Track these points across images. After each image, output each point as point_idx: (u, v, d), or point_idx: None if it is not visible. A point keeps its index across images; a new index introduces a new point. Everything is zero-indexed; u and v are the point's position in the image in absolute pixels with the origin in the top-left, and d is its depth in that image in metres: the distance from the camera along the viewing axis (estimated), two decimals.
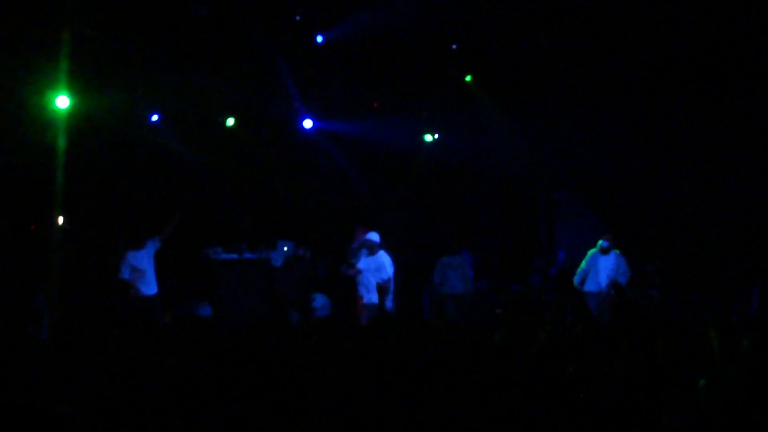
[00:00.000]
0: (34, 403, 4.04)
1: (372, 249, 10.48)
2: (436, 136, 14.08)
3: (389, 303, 10.59)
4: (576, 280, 11.66)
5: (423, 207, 14.64)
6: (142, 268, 10.18)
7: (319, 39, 11.50)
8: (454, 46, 12.58)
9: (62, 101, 11.24)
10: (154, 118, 12.35)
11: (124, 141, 12.49)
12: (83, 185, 12.15)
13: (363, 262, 10.48)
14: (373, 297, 10.45)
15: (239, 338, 6.24)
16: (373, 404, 4.32)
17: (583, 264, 11.61)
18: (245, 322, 9.59)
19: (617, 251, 11.41)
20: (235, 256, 11.88)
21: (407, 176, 14.44)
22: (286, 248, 11.94)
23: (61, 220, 11.26)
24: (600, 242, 11.48)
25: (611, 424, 4.37)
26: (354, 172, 13.94)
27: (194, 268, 12.03)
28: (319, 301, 12.06)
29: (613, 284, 11.25)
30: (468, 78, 13.29)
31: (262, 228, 12.66)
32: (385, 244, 12.62)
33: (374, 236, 10.56)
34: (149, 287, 10.31)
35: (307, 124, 12.70)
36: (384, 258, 10.53)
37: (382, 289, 10.45)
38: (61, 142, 11.71)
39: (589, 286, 11.47)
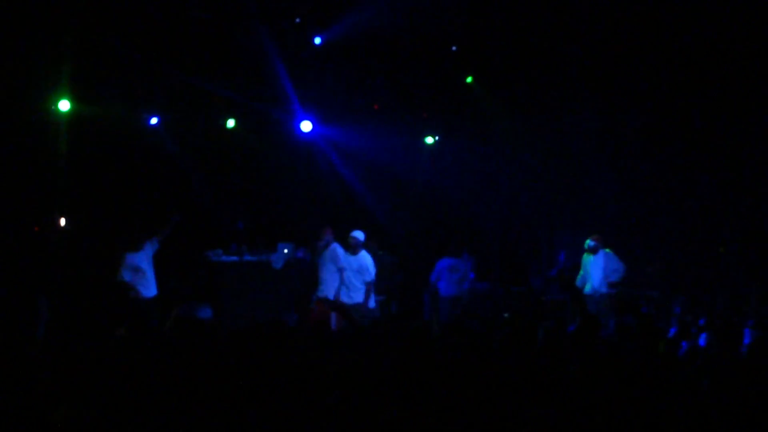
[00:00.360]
0: (30, 406, 4.04)
1: (355, 248, 10.38)
2: (437, 137, 14.10)
3: (371, 303, 10.52)
4: (578, 284, 11.68)
5: (424, 208, 14.63)
6: (141, 270, 10.19)
7: (318, 40, 11.47)
8: (454, 48, 12.58)
9: (63, 105, 11.30)
10: (154, 120, 12.37)
11: (125, 143, 12.52)
12: (84, 187, 12.18)
13: (344, 261, 10.35)
14: (354, 296, 10.37)
15: (240, 340, 6.24)
16: (372, 405, 4.31)
17: (582, 269, 11.64)
18: (246, 324, 9.57)
19: (607, 250, 11.38)
20: (235, 258, 11.87)
21: (408, 178, 14.44)
22: (286, 250, 11.91)
23: (63, 221, 11.27)
24: (587, 242, 11.46)
25: (611, 424, 4.37)
26: (354, 173, 13.92)
27: (195, 271, 12.03)
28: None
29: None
30: (469, 79, 13.28)
31: (262, 230, 12.66)
32: (383, 245, 12.68)
33: (359, 234, 10.46)
34: (148, 289, 10.32)
35: (306, 126, 12.67)
36: (367, 258, 10.42)
37: (369, 290, 10.35)
38: (63, 145, 11.76)
39: (586, 289, 11.46)
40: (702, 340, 6.73)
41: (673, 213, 12.85)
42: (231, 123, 12.86)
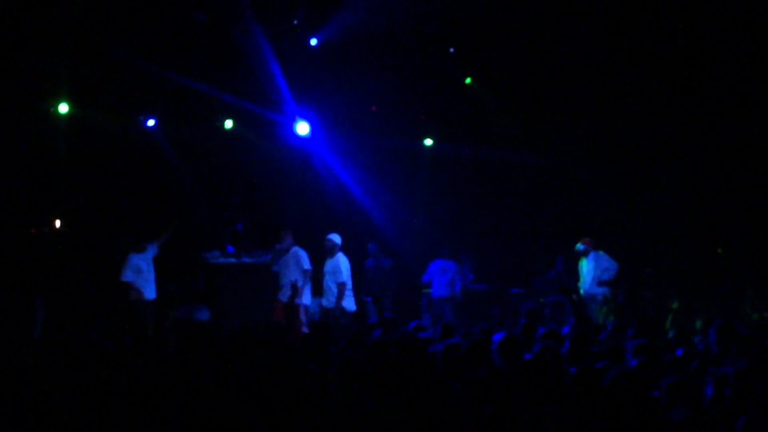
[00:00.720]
0: (27, 405, 4.04)
1: (331, 250, 10.40)
2: (436, 139, 14.09)
3: (350, 305, 10.49)
4: (579, 285, 11.67)
5: (423, 210, 14.61)
6: (143, 272, 10.26)
7: (314, 42, 11.42)
8: (451, 50, 12.55)
9: (62, 107, 11.32)
10: (151, 122, 12.36)
11: (122, 145, 12.53)
12: (81, 189, 12.19)
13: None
14: (333, 300, 10.34)
15: (237, 341, 6.23)
16: (369, 406, 4.31)
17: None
18: (243, 325, 9.57)
19: (598, 252, 11.34)
20: (233, 260, 11.86)
21: (406, 179, 14.44)
22: None
23: (58, 223, 11.29)
24: (577, 246, 11.45)
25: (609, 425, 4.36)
26: (351, 175, 13.91)
27: (192, 273, 12.03)
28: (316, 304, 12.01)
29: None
30: (468, 80, 13.24)
31: (260, 232, 12.66)
32: (381, 247, 12.69)
33: (335, 237, 10.50)
34: (149, 292, 10.36)
35: (303, 128, 12.65)
36: (341, 260, 10.43)
37: (341, 291, 10.29)
38: (62, 147, 11.79)
39: (581, 291, 11.45)
40: (699, 341, 6.72)
41: (672, 214, 12.82)
42: (229, 123, 12.83)
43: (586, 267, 11.41)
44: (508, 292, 13.01)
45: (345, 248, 10.67)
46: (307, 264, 10.32)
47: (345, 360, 5.16)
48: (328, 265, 10.45)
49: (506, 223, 14.24)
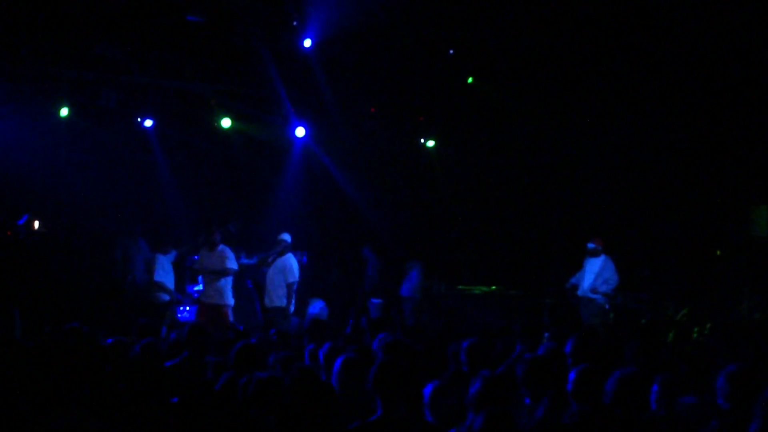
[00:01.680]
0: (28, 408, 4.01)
1: (283, 250, 10.39)
2: (436, 141, 14.09)
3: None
4: (572, 281, 11.55)
5: (422, 211, 14.62)
6: (168, 273, 10.38)
7: (308, 43, 11.36)
8: (451, 51, 12.53)
9: (64, 111, 11.35)
10: (148, 123, 12.34)
11: (117, 146, 12.54)
12: (77, 192, 12.19)
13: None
14: (278, 301, 10.34)
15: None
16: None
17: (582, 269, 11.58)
18: (241, 326, 9.57)
19: (608, 256, 11.25)
20: None
21: (404, 181, 14.44)
22: None
23: (37, 224, 11.24)
24: (587, 245, 11.35)
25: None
26: (349, 177, 13.90)
27: (191, 274, 12.04)
28: (317, 305, 12.02)
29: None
30: (470, 80, 13.18)
31: (257, 233, 12.66)
32: (377, 248, 12.75)
33: (286, 237, 10.52)
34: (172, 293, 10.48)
35: (300, 132, 12.65)
36: (291, 260, 10.42)
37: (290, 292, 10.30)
38: (64, 151, 11.82)
39: (579, 291, 11.38)
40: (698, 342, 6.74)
41: (671, 215, 12.80)
42: (226, 123, 12.76)
43: (589, 267, 11.27)
44: (505, 294, 13.04)
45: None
46: (234, 264, 10.11)
47: (346, 360, 5.16)
48: (278, 264, 10.39)
49: (505, 223, 14.24)
